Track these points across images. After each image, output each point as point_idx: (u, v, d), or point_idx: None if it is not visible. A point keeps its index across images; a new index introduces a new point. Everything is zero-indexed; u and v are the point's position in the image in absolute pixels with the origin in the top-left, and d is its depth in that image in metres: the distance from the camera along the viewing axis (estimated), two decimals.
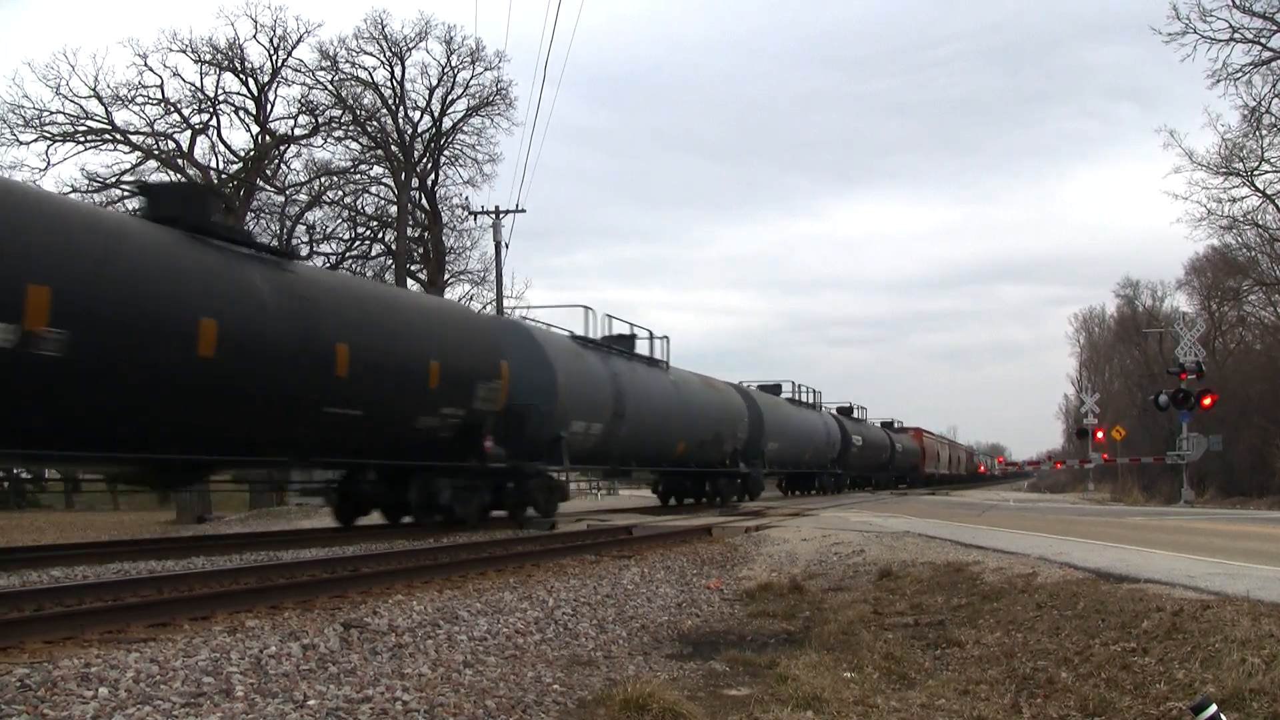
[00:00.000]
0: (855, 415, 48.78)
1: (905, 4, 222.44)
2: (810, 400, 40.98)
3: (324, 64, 39.04)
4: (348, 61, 39.60)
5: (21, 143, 35.79)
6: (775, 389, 36.79)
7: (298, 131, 39.75)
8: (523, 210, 38.73)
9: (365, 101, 40.37)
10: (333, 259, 40.40)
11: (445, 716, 5.05)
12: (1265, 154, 37.45)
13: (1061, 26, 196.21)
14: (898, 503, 32.22)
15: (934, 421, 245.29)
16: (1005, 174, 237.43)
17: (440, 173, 42.45)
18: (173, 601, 7.55)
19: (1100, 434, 51.72)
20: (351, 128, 40.20)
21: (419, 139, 41.34)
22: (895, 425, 59.51)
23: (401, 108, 40.62)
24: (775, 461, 33.15)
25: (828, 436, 40.00)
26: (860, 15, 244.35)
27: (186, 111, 37.88)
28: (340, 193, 41.31)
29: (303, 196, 40.43)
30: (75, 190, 34.08)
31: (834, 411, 45.65)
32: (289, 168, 40.87)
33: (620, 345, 23.85)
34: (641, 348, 24.98)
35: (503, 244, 38.86)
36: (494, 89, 40.97)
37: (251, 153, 39.07)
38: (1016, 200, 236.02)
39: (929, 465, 65.86)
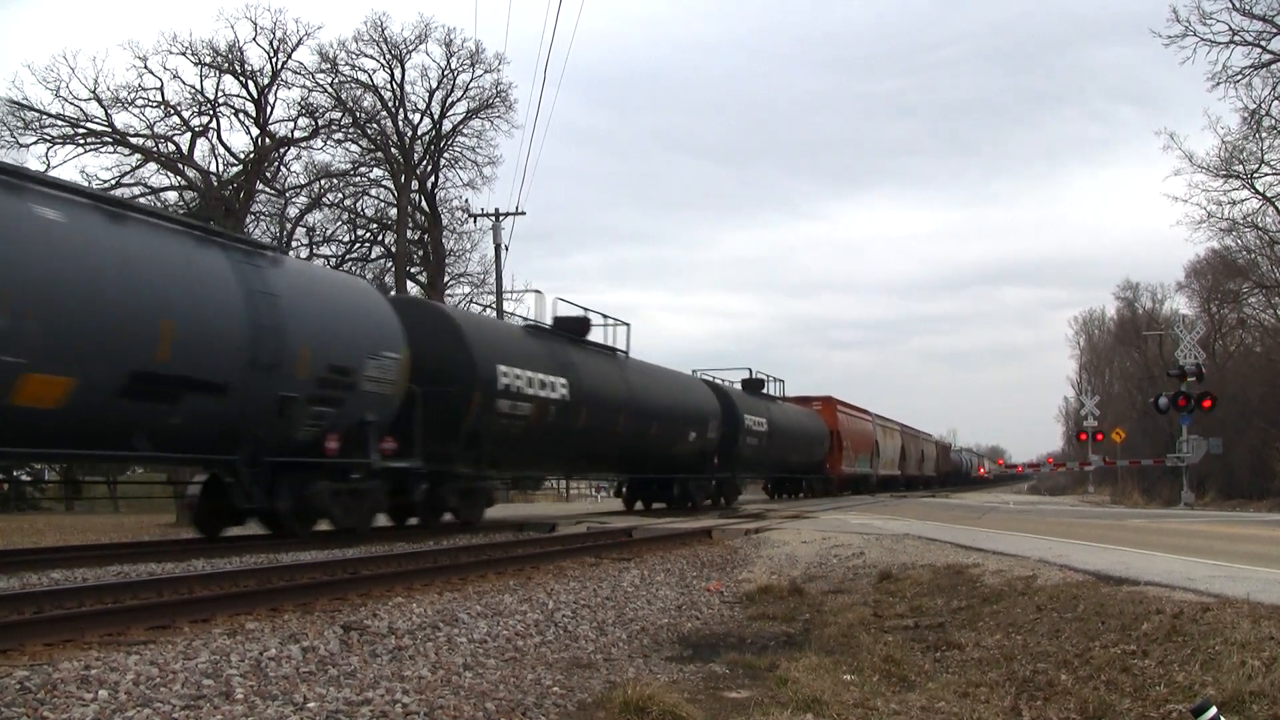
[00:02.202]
0: (612, 345, 23.65)
1: (908, 5, 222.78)
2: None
3: (324, 66, 39.07)
4: (347, 64, 39.63)
5: (21, 145, 35.80)
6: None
7: (297, 134, 39.75)
8: (522, 213, 38.80)
9: (365, 104, 40.39)
10: (333, 261, 40.43)
11: (445, 719, 5.04)
12: (1265, 156, 37.49)
13: (1065, 28, 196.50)
14: (897, 505, 32.22)
15: (934, 424, 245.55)
16: (1007, 176, 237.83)
17: (440, 175, 42.48)
18: (172, 604, 7.54)
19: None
20: (351, 130, 40.21)
21: (419, 141, 41.37)
22: (770, 389, 36.02)
23: (401, 110, 40.65)
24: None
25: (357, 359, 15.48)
26: (863, 17, 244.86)
27: (186, 114, 37.87)
28: (340, 195, 41.32)
29: (302, 199, 40.47)
30: None
31: (516, 319, 23.82)
32: (289, 170, 40.87)
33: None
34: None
35: (503, 246, 38.91)
36: (494, 91, 41.02)
37: (251, 155, 39.07)
38: (1019, 202, 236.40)
39: (851, 461, 44.51)
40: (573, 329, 22.36)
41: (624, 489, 28.37)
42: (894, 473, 56.71)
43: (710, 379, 31.46)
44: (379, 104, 40.32)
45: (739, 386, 33.40)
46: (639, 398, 23.42)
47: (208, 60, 37.38)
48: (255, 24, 39.71)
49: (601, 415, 21.33)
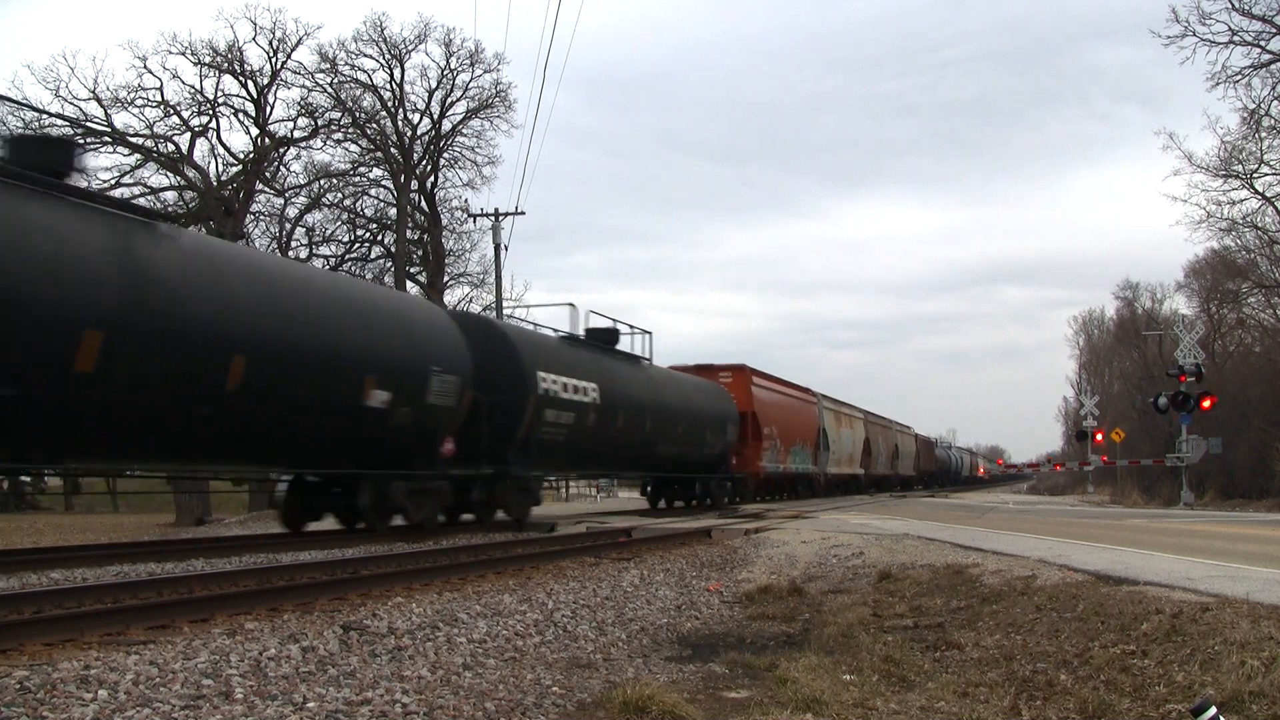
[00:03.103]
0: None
1: (914, 6, 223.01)
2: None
3: (323, 66, 39.09)
4: (347, 64, 39.65)
5: None
6: None
7: (297, 134, 39.77)
8: (522, 213, 38.81)
9: (365, 104, 40.41)
10: (332, 261, 40.44)
11: (444, 719, 5.05)
12: (1264, 156, 37.50)
13: (1069, 27, 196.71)
14: (896, 505, 32.21)
15: (934, 423, 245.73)
16: (1010, 176, 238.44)
17: (440, 175, 42.50)
18: (172, 604, 7.54)
19: (1100, 436, 51.69)
20: (351, 130, 40.22)
21: (418, 141, 41.38)
22: (638, 347, 24.65)
23: (401, 110, 40.66)
24: None
25: None
26: (868, 18, 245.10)
27: (186, 114, 37.88)
28: (339, 195, 41.35)
29: (302, 199, 40.47)
30: None
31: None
32: (288, 170, 40.89)
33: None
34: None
35: (502, 246, 38.89)
36: (493, 91, 41.03)
37: (251, 155, 39.06)
38: (1019, 202, 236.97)
39: (779, 454, 33.17)
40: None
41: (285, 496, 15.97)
42: (853, 471, 44.60)
43: (516, 321, 20.60)
44: (379, 104, 40.33)
45: (579, 335, 22.10)
46: (184, 305, 11.49)
47: (207, 60, 37.40)
48: (255, 24, 39.81)
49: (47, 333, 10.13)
